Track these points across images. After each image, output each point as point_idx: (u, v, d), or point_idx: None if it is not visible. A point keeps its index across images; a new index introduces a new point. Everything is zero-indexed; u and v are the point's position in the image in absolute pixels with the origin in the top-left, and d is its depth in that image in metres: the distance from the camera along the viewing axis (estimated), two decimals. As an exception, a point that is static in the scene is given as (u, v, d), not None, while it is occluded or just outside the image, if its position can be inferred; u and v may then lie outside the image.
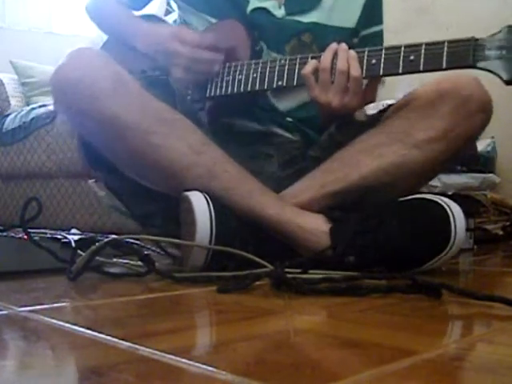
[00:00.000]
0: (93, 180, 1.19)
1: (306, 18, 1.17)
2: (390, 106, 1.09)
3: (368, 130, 1.04)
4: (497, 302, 0.66)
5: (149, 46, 1.14)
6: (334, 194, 1.00)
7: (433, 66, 0.92)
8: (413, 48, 0.93)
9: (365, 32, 1.21)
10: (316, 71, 1.00)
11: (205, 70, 1.11)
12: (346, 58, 0.98)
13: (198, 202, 0.92)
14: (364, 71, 0.97)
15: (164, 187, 1.01)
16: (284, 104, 1.20)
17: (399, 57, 0.94)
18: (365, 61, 0.97)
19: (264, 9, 1.17)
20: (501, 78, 0.88)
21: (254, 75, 1.08)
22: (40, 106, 2.46)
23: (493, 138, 1.92)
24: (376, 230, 0.93)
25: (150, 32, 1.15)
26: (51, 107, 2.34)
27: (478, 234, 1.55)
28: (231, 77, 1.11)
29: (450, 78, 0.99)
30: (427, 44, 0.92)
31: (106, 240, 0.87)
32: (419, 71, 0.93)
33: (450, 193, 1.48)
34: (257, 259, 0.88)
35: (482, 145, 1.84)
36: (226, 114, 1.18)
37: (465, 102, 0.95)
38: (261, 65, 1.08)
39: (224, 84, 1.12)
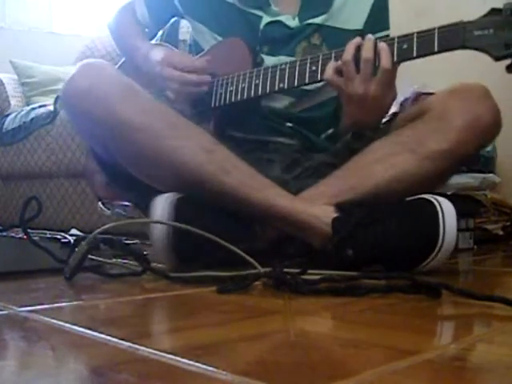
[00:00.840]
0: (100, 202, 1.24)
1: (314, 21, 1.21)
2: (395, 114, 1.11)
3: (381, 138, 1.06)
4: (497, 302, 0.66)
5: (148, 69, 1.21)
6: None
7: (425, 51, 0.96)
8: (405, 37, 0.98)
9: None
10: (337, 71, 1.03)
11: (193, 91, 1.19)
12: (372, 47, 1.00)
13: (159, 199, 0.95)
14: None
15: (177, 189, 1.01)
16: (295, 109, 1.23)
17: (393, 47, 0.98)
18: None
19: (278, 21, 1.21)
20: (490, 54, 0.91)
21: (257, 81, 1.13)
22: (40, 106, 2.46)
23: (493, 138, 1.92)
24: (377, 225, 0.93)
25: (147, 56, 1.21)
26: (51, 107, 2.35)
27: (478, 233, 1.54)
28: (234, 86, 1.16)
29: (462, 90, 1.01)
30: (418, 32, 0.96)
31: (89, 236, 0.87)
32: (413, 57, 0.97)
33: (449, 193, 1.48)
34: (249, 258, 0.87)
35: (482, 145, 1.83)
36: (230, 126, 1.22)
37: (478, 117, 0.98)
38: (262, 71, 1.13)
39: (228, 94, 1.17)
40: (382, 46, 0.99)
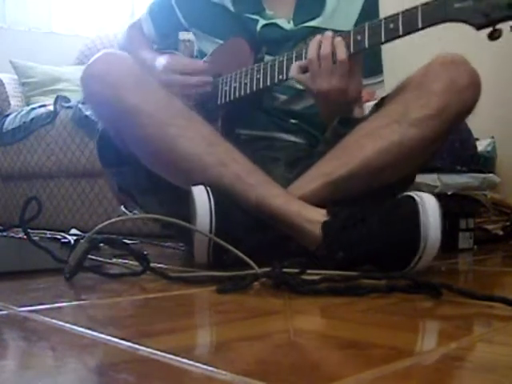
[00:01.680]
0: (123, 206, 1.28)
1: (309, 24, 1.26)
2: (383, 98, 1.13)
3: (367, 117, 1.10)
4: (497, 302, 0.66)
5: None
6: (339, 179, 1.03)
7: (410, 28, 0.99)
8: (392, 18, 1.01)
9: None
10: (301, 69, 1.08)
11: (197, 92, 1.24)
12: (329, 43, 1.05)
13: (200, 195, 0.96)
14: (352, 47, 1.05)
15: (177, 177, 1.06)
16: (298, 105, 1.27)
17: (380, 28, 1.01)
18: (351, 39, 1.05)
19: (274, 24, 1.26)
20: (472, 24, 0.93)
21: (258, 76, 1.17)
22: (40, 106, 2.45)
23: (493, 138, 1.92)
24: (360, 226, 0.93)
25: (153, 67, 1.27)
26: (51, 107, 2.35)
27: (478, 234, 1.54)
28: (238, 82, 1.20)
29: (438, 58, 1.04)
30: (403, 11, 0.99)
31: (88, 234, 0.87)
32: (399, 36, 1.00)
33: (449, 193, 1.48)
34: (246, 259, 0.87)
35: (481, 145, 1.83)
36: (237, 123, 1.26)
37: (454, 79, 1.00)
38: (262, 65, 1.17)
39: (232, 90, 1.22)
40: (337, 39, 1.05)
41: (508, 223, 1.73)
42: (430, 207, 0.91)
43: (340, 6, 1.27)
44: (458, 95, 1.00)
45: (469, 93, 1.01)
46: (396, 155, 1.02)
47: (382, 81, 1.34)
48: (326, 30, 1.23)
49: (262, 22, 1.26)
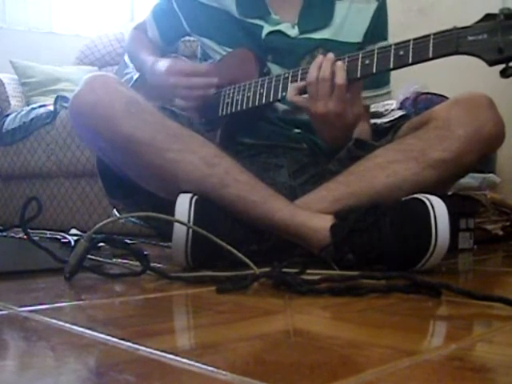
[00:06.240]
0: (115, 209, 1.28)
1: (317, 35, 1.23)
2: (400, 117, 1.12)
3: (385, 145, 1.08)
4: (497, 302, 0.66)
5: (155, 82, 1.24)
6: (346, 206, 1.01)
7: (420, 58, 0.96)
8: (402, 44, 0.98)
9: (370, 47, 1.24)
10: (299, 90, 1.06)
11: (201, 95, 1.21)
12: (329, 67, 1.02)
13: (181, 200, 0.96)
14: (359, 71, 1.02)
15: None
16: (302, 115, 1.24)
17: (390, 54, 0.99)
18: (359, 62, 1.02)
19: (278, 31, 1.23)
20: (483, 59, 0.91)
21: (261, 90, 1.15)
22: (40, 106, 2.46)
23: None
24: (371, 229, 0.93)
25: (153, 69, 1.25)
26: (51, 107, 2.35)
27: (478, 233, 1.54)
28: (241, 95, 1.18)
29: (466, 100, 1.02)
30: (415, 39, 0.97)
31: (89, 233, 0.86)
32: (409, 64, 0.98)
33: (449, 193, 1.48)
34: (245, 259, 0.87)
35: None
36: (239, 132, 1.25)
37: (479, 128, 0.99)
38: (267, 80, 1.15)
39: (234, 103, 1.19)
40: (338, 63, 1.02)
41: (508, 223, 1.72)
42: (439, 209, 0.92)
43: (349, 17, 1.25)
44: (481, 144, 1.00)
45: (492, 142, 1.01)
46: (406, 192, 0.99)
47: (389, 92, 1.32)
48: (333, 41, 1.22)
49: (266, 28, 1.23)
